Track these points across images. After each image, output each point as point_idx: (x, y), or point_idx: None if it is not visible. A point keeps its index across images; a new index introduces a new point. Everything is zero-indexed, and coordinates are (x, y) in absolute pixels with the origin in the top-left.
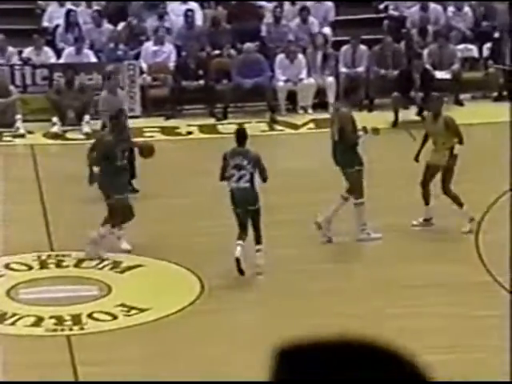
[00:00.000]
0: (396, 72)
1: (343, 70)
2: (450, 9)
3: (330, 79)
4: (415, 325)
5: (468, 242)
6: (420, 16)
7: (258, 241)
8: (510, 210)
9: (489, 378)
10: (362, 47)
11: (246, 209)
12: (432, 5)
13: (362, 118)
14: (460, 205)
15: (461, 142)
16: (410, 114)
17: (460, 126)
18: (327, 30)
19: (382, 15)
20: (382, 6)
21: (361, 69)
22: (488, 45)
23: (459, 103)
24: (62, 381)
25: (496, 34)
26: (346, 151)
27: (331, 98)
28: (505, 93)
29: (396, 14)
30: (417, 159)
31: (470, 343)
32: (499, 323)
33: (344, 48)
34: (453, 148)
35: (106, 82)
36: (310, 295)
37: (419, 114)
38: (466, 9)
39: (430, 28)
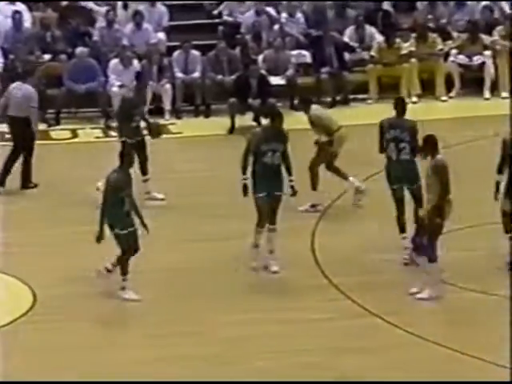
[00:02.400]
0: (232, 78)
1: (179, 75)
2: (283, 15)
3: (167, 86)
4: (250, 331)
5: (304, 244)
6: (254, 21)
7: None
8: None
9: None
10: (195, 52)
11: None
12: (266, 10)
13: (198, 124)
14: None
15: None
16: (247, 119)
17: (294, 130)
18: (161, 36)
19: (217, 21)
20: (216, 12)
21: (196, 74)
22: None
23: (294, 108)
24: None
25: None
26: None
27: (167, 105)
28: (338, 98)
29: (230, 19)
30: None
31: (304, 347)
32: (334, 326)
33: (176, 53)
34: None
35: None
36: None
37: (256, 119)
38: (299, 15)
39: (264, 34)
